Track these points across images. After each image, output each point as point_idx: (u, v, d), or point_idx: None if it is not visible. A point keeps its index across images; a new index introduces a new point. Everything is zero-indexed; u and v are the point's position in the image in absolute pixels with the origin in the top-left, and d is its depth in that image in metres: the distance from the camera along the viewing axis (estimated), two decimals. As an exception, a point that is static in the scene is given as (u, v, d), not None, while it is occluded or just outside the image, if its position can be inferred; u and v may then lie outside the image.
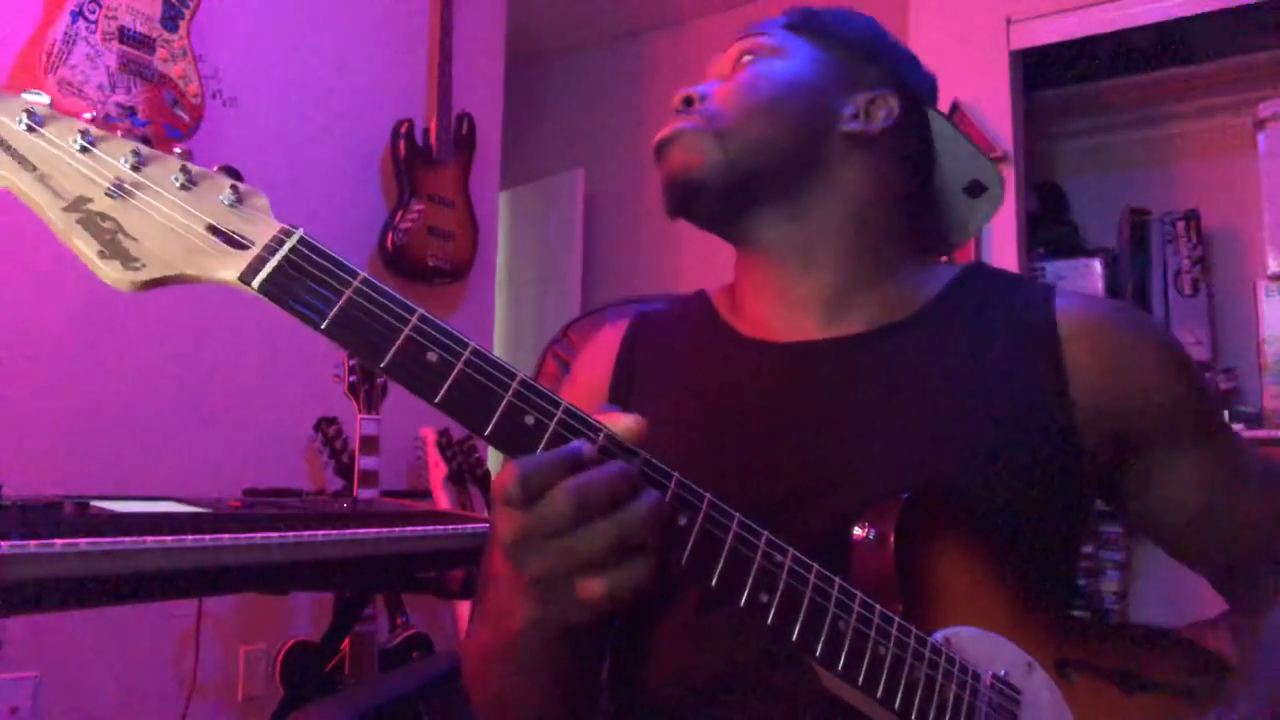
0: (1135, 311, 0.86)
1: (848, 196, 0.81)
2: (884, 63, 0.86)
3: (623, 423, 0.55)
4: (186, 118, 2.04)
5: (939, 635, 0.64)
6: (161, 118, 1.99)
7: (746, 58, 0.84)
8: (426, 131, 2.69)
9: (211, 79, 2.19)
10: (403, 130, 2.61)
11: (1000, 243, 2.44)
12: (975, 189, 0.88)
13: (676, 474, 0.56)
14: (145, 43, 1.97)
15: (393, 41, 2.73)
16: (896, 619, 0.61)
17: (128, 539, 1.00)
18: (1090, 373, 0.75)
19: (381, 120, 2.63)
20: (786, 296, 0.82)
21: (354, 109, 2.60)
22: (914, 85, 0.86)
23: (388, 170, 2.66)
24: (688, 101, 0.82)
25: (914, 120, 0.85)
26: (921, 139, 0.86)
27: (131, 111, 1.94)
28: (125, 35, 1.94)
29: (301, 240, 0.52)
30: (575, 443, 0.53)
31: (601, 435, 0.54)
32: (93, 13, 1.89)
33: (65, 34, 1.85)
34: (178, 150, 0.54)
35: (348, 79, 2.59)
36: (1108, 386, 0.75)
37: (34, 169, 0.50)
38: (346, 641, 1.98)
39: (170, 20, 2.02)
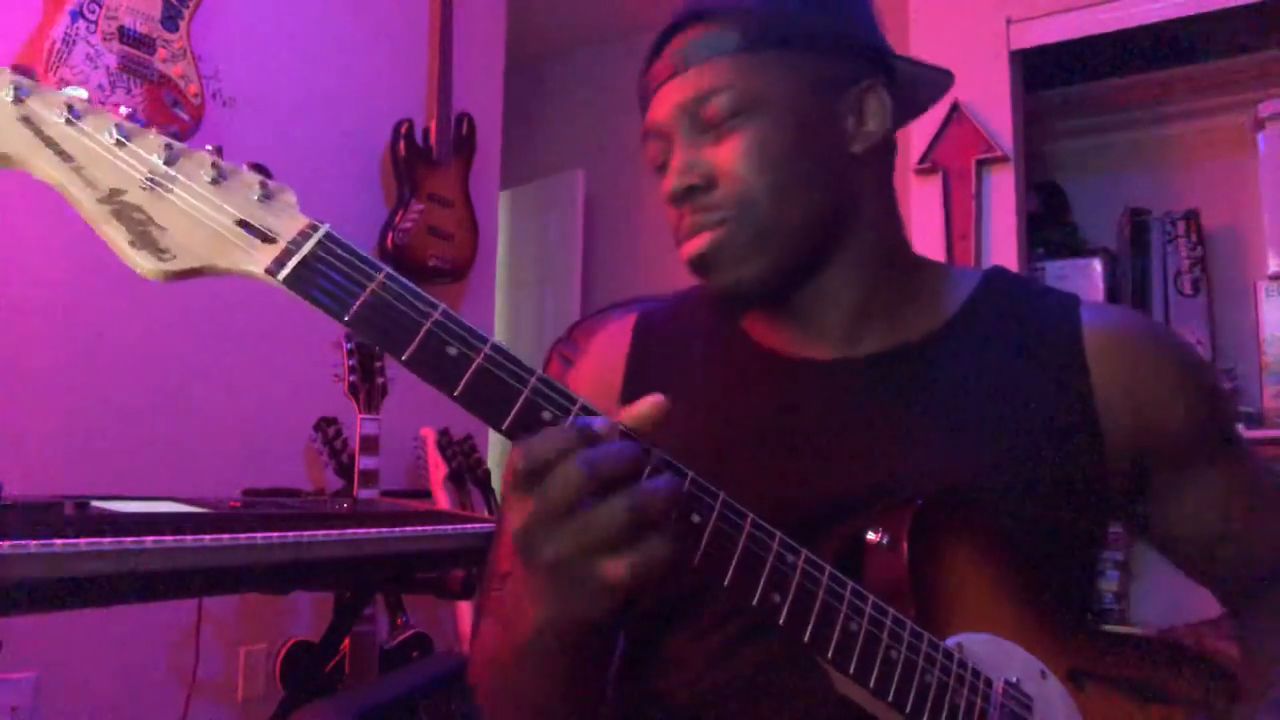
0: (1160, 327, 0.86)
1: (867, 232, 0.77)
2: (841, 33, 0.75)
3: (639, 409, 0.54)
4: (186, 118, 2.04)
5: (952, 641, 0.63)
6: (161, 118, 1.99)
7: (735, 119, 0.71)
8: (426, 131, 2.69)
9: (211, 79, 2.19)
10: (403, 130, 2.61)
11: (1000, 243, 2.43)
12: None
13: (691, 472, 0.55)
14: (145, 43, 1.97)
15: (393, 41, 2.73)
16: (909, 623, 0.61)
17: (128, 539, 0.99)
18: (1116, 390, 0.74)
19: (381, 120, 2.63)
20: (804, 329, 0.78)
21: (354, 109, 2.60)
22: (870, 40, 0.77)
23: (388, 170, 2.66)
24: (690, 190, 0.73)
25: (902, 92, 0.77)
26: (908, 100, 0.79)
27: (131, 112, 1.94)
28: (125, 35, 1.94)
29: (327, 235, 0.53)
30: (587, 419, 0.52)
31: (619, 424, 0.54)
32: (93, 13, 1.89)
33: (65, 34, 1.84)
34: (209, 146, 0.55)
35: (348, 79, 2.59)
36: (1133, 405, 0.74)
37: (71, 160, 0.52)
38: (346, 641, 1.98)
39: (170, 20, 2.02)
